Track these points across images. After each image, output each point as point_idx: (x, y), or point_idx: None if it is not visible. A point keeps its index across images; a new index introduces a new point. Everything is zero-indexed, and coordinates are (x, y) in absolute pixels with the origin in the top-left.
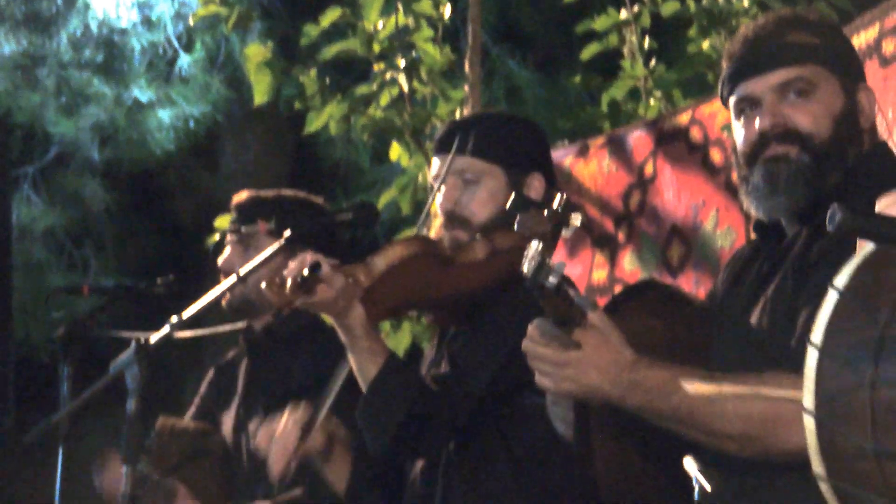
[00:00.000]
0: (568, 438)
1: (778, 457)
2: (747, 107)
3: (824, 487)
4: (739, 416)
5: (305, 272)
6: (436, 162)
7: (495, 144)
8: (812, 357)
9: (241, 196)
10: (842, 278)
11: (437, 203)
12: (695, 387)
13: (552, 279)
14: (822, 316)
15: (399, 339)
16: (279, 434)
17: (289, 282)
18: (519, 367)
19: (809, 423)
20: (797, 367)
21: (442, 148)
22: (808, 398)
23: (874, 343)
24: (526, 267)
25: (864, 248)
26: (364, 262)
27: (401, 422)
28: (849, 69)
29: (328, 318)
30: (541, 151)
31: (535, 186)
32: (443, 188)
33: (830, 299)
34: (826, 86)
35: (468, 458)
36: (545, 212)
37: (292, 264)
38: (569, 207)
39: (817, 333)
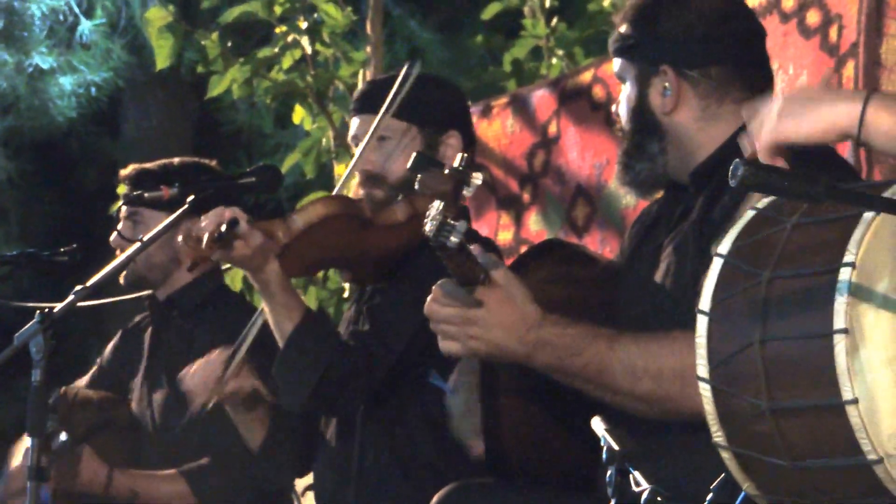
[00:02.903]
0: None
1: (686, 416)
2: None
3: (726, 456)
4: (650, 373)
5: (223, 228)
6: (354, 122)
7: (410, 103)
8: (702, 324)
9: (134, 168)
10: (724, 245)
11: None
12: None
13: (454, 238)
14: (709, 282)
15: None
16: (202, 366)
17: (205, 237)
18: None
19: (706, 390)
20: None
21: (358, 107)
22: (701, 366)
23: (760, 303)
24: (428, 226)
25: (745, 214)
26: (283, 218)
27: (318, 378)
28: (657, 56)
29: (244, 273)
30: (457, 110)
31: (452, 144)
32: (359, 148)
33: (715, 266)
34: (628, 79)
35: (385, 418)
36: (446, 171)
37: (208, 219)
38: (470, 166)
39: (705, 300)
